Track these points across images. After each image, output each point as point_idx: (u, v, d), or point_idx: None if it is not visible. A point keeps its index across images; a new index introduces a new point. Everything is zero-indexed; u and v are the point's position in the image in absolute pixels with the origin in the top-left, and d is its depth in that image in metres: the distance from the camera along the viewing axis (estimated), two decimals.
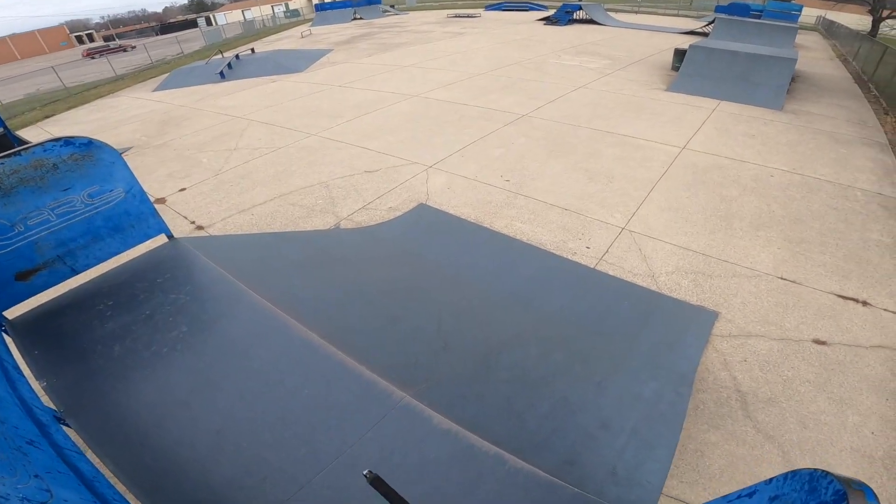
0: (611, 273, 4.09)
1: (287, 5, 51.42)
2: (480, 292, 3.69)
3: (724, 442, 2.68)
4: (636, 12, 27.88)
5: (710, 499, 2.29)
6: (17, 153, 2.50)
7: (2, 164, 2.46)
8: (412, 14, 31.57)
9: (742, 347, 3.33)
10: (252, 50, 17.51)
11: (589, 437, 2.42)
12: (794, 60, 9.19)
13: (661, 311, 3.62)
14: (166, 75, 14.96)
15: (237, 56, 15.60)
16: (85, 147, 2.74)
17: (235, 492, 1.99)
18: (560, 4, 22.80)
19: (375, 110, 8.87)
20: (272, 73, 13.77)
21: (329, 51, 17.16)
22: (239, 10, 54.34)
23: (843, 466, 2.55)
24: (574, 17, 21.86)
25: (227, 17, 50.64)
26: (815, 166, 5.95)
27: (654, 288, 3.92)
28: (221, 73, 13.69)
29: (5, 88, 17.66)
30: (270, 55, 16.29)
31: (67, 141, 2.67)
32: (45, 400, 2.32)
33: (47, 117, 11.77)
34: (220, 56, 16.09)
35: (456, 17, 27.29)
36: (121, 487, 2.00)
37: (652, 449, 2.40)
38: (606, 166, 6.01)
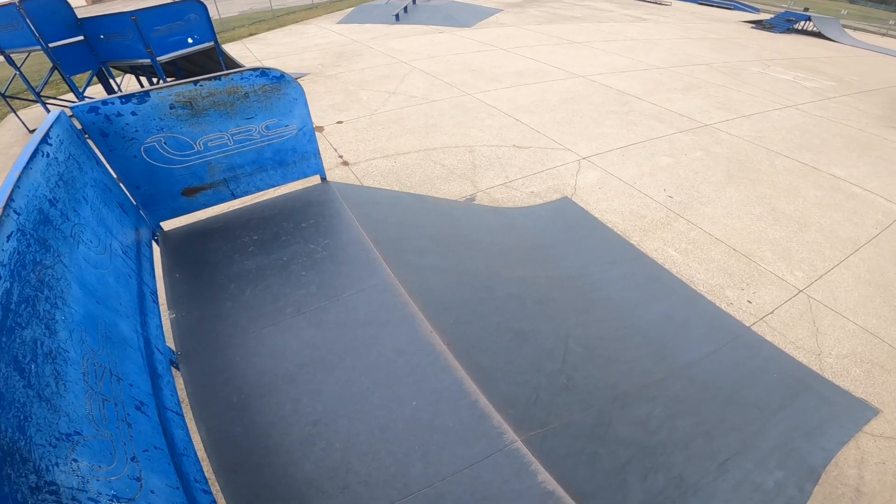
0: (767, 339, 3.36)
1: None
2: (614, 320, 3.25)
3: None
4: (884, 34, 22.00)
5: None
6: (217, 78, 2.58)
7: (201, 86, 2.54)
8: None
9: (888, 450, 2.75)
10: None
11: None
12: None
13: (812, 393, 3.00)
14: (351, 9, 15.90)
15: (414, 1, 15.93)
16: (277, 80, 2.76)
17: (314, 494, 1.88)
18: (780, 10, 18.78)
19: (536, 83, 8.36)
20: (442, 23, 13.82)
21: (499, 10, 16.65)
22: None
23: None
24: (796, 26, 17.95)
25: None
26: None
27: (815, 369, 3.19)
28: (397, 16, 14.13)
29: (228, 4, 20.34)
30: (444, 5, 16.31)
31: (263, 72, 2.70)
32: (167, 334, 2.38)
33: (251, 35, 13.27)
34: None
35: (640, 0, 24.49)
36: (201, 455, 1.99)
37: None
38: (801, 209, 4.89)
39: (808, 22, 17.76)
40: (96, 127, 2.44)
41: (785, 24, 17.89)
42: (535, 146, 5.77)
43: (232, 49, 10.89)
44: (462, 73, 8.61)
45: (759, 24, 18.67)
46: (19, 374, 1.16)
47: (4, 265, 1.30)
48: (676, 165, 5.57)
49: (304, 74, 8.66)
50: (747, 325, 3.48)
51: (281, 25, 14.65)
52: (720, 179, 5.35)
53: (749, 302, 3.71)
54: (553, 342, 2.85)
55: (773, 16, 19.15)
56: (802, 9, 22.92)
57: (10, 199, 1.48)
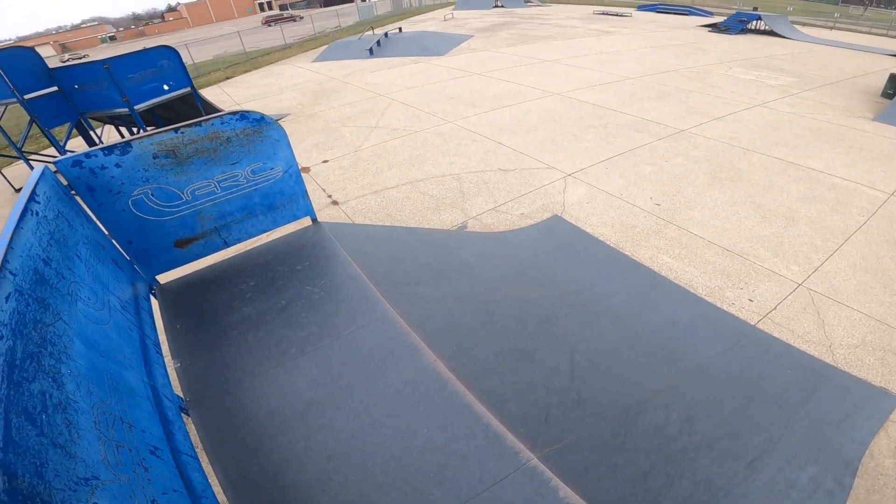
0: (775, 335, 3.38)
1: None
2: (618, 331, 3.25)
3: None
4: (831, 28, 23.14)
5: None
6: (198, 124, 2.57)
7: (182, 133, 2.53)
8: (555, 7, 30.10)
9: None
10: (399, 29, 18.25)
11: None
12: None
13: (831, 386, 2.99)
14: (325, 47, 16.26)
15: (386, 34, 16.40)
16: (257, 122, 2.77)
17: None
18: (732, 12, 19.72)
19: (514, 104, 8.56)
20: (416, 54, 14.21)
21: (470, 37, 17.20)
22: None
23: None
24: (749, 27, 18.84)
25: None
26: None
27: (828, 361, 3.19)
28: (371, 50, 14.48)
29: (201, 49, 20.73)
30: (416, 36, 16.81)
31: (243, 115, 2.70)
32: (174, 383, 2.38)
33: (227, 79, 13.49)
34: (371, 32, 17.07)
35: (603, 14, 25.27)
36: (220, 497, 1.98)
37: None
38: (786, 204, 4.99)
39: (759, 21, 18.64)
40: (82, 182, 2.41)
41: (738, 24, 18.74)
42: (521, 167, 5.85)
43: (209, 93, 11.00)
44: (441, 102, 8.79)
45: (714, 28, 19.54)
46: (31, 423, 1.22)
47: (6, 324, 1.36)
48: (659, 173, 5.68)
49: (286, 115, 8.76)
50: (752, 323, 3.49)
51: (256, 67, 14.89)
52: (703, 182, 5.46)
53: (750, 300, 3.73)
54: (559, 359, 2.84)
55: (726, 18, 20.05)
56: (752, 8, 24.05)
57: (5, 259, 1.52)
